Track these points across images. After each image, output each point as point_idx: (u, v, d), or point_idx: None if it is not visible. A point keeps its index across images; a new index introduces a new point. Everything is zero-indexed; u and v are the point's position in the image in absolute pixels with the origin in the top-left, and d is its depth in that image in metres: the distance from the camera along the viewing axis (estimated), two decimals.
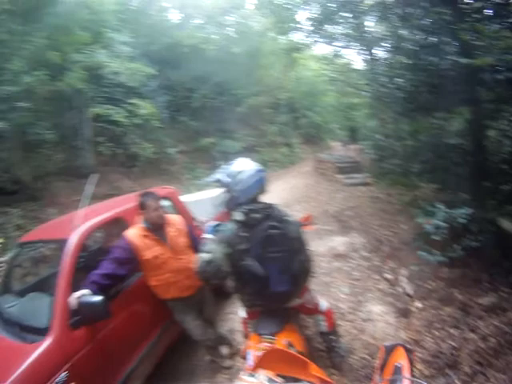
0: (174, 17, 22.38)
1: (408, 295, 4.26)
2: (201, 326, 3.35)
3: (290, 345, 2.20)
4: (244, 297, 2.50)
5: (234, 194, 2.44)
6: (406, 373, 1.75)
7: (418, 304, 4.03)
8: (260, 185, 2.49)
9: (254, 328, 2.42)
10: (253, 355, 2.13)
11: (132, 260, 2.96)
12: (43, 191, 9.80)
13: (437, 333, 3.44)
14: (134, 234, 3.07)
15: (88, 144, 12.18)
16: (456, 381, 2.81)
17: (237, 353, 3.79)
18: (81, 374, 2.40)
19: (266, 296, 2.31)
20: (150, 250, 3.02)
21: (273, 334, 2.24)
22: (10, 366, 2.18)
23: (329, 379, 1.52)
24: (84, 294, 2.53)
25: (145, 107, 13.48)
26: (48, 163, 10.55)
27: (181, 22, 21.83)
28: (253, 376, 1.61)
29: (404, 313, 3.91)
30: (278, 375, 1.62)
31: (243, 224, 2.30)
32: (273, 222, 2.29)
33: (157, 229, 3.12)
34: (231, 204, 2.49)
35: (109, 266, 2.84)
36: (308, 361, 1.58)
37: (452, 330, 3.41)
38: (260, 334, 2.28)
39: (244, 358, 2.33)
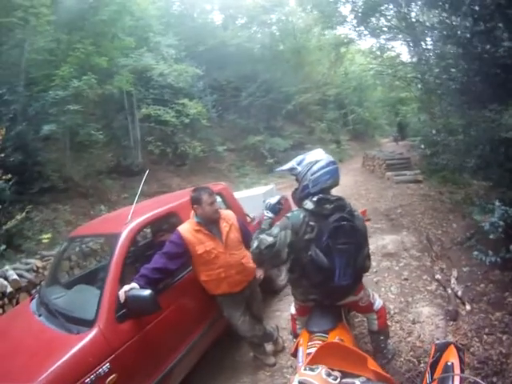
0: (217, 18, 22.78)
1: (458, 297, 4.05)
2: (248, 323, 3.32)
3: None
4: (299, 290, 2.45)
5: (305, 183, 2.35)
6: (457, 371, 1.68)
7: (468, 307, 3.83)
8: (332, 176, 2.38)
9: (306, 325, 2.36)
10: (303, 353, 2.09)
11: (183, 254, 2.96)
12: (93, 189, 10.23)
13: (486, 337, 3.25)
14: (187, 228, 3.05)
15: (137, 144, 12.65)
16: None
17: (281, 350, 3.77)
18: (123, 366, 2.42)
19: (328, 289, 2.26)
20: (203, 245, 3.00)
21: (325, 332, 2.16)
22: (53, 356, 2.23)
23: (386, 374, 1.45)
24: (133, 288, 2.56)
25: (193, 107, 13.89)
26: (98, 162, 11.03)
27: (224, 23, 22.21)
28: (312, 370, 1.55)
29: (453, 316, 3.71)
30: (336, 370, 1.56)
31: (313, 213, 2.23)
32: (344, 214, 2.23)
33: (209, 224, 3.11)
34: (301, 193, 2.39)
35: (160, 260, 2.86)
36: (366, 355, 1.53)
37: (501, 336, 3.20)
38: (312, 332, 2.21)
39: (294, 356, 2.29)
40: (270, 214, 2.50)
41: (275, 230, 2.22)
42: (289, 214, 2.31)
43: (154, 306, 2.51)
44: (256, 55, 20.71)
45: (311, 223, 2.19)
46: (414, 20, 8.65)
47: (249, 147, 17.72)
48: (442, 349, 1.88)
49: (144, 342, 2.65)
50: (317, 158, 2.39)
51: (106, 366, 2.29)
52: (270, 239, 2.17)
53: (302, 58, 23.08)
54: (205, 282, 3.15)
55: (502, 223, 3.76)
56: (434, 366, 1.81)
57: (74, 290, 3.20)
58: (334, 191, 2.44)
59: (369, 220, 4.19)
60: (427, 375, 1.79)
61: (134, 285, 2.60)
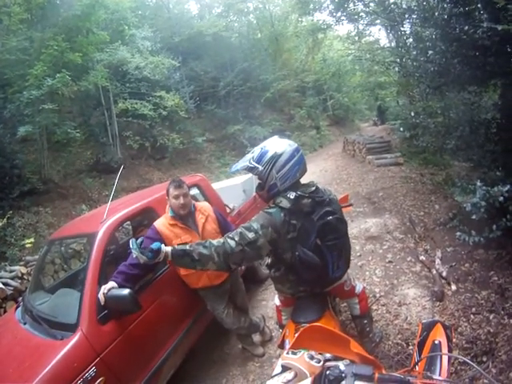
0: (193, 8, 22.57)
1: (443, 278, 4.10)
2: (233, 315, 3.32)
3: None
4: (286, 285, 2.35)
5: (273, 183, 2.15)
6: (445, 349, 1.72)
7: (453, 287, 3.88)
8: (301, 167, 2.20)
9: (291, 316, 2.33)
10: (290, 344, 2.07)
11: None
12: (73, 189, 10.14)
13: (473, 317, 3.30)
14: (162, 223, 3.03)
15: (115, 139, 12.55)
16: (492, 368, 2.67)
17: (269, 340, 3.79)
18: (109, 368, 2.41)
19: (321, 282, 2.24)
20: (179, 239, 2.94)
21: (311, 322, 2.08)
22: (39, 364, 2.20)
23: (370, 356, 1.45)
24: (112, 288, 2.49)
25: (170, 99, 13.83)
26: (77, 161, 11.04)
27: (200, 13, 21.99)
28: (295, 353, 1.54)
29: (439, 296, 3.76)
30: (319, 353, 1.55)
31: (291, 211, 2.07)
32: (327, 208, 2.10)
33: (184, 216, 3.07)
34: (269, 193, 2.20)
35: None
36: (349, 338, 1.50)
37: (488, 315, 3.25)
38: (298, 322, 2.18)
39: (281, 347, 2.29)
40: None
41: (255, 224, 2.05)
42: (270, 210, 2.12)
43: (134, 305, 2.46)
44: (233, 44, 20.57)
45: (292, 222, 2.06)
46: (391, 3, 8.62)
47: (228, 137, 17.67)
48: (428, 328, 1.91)
49: (129, 342, 2.63)
50: (278, 150, 2.16)
51: (92, 370, 2.28)
52: (251, 235, 2.02)
53: (280, 45, 22.99)
54: (185, 276, 3.14)
55: (483, 203, 3.79)
56: (421, 345, 1.84)
57: (57, 295, 3.17)
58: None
59: (351, 205, 4.18)
60: (415, 354, 1.82)
61: (111, 284, 2.53)
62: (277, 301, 2.77)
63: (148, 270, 2.85)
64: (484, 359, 2.79)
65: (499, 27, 3.64)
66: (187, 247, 2.06)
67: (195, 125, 16.70)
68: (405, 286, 4.22)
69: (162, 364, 2.88)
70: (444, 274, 4.15)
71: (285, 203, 2.08)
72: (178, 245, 2.29)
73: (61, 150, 10.48)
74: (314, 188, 2.18)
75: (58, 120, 9.47)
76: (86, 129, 11.59)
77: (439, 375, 1.53)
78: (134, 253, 2.10)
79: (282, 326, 2.76)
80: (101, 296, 2.45)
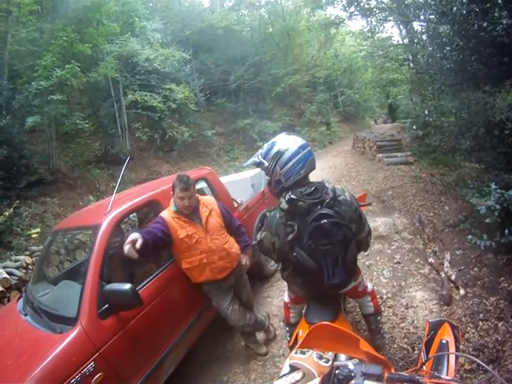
0: (204, 1, 22.52)
1: (451, 281, 4.01)
2: (238, 311, 3.27)
3: None
4: (296, 286, 2.35)
5: (277, 179, 2.13)
6: (452, 349, 1.71)
7: (462, 291, 3.79)
8: (306, 164, 2.13)
9: (305, 316, 2.25)
10: None
11: (169, 236, 2.91)
12: (81, 180, 10.15)
13: (481, 324, 3.21)
14: (168, 214, 3.02)
15: (125, 131, 12.53)
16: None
17: (273, 339, 3.74)
18: (108, 364, 2.37)
19: (321, 287, 2.13)
20: (184, 230, 2.95)
21: None
22: (37, 358, 2.18)
23: (379, 355, 1.42)
24: (133, 239, 2.44)
25: (180, 91, 13.78)
26: (85, 152, 11.01)
27: (211, 6, 21.93)
28: (303, 353, 1.52)
29: (447, 300, 3.68)
30: (328, 352, 1.53)
31: (289, 212, 2.04)
32: (324, 210, 1.98)
33: (186, 212, 3.01)
34: (276, 189, 2.19)
35: (151, 230, 2.80)
36: (358, 337, 1.50)
37: (497, 322, 3.16)
38: (312, 323, 2.05)
39: (293, 348, 2.21)
40: None
41: (263, 227, 2.17)
42: (268, 214, 2.17)
43: (135, 300, 2.44)
44: (245, 38, 20.49)
45: (290, 223, 2.02)
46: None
47: (238, 131, 17.65)
48: (436, 327, 1.89)
49: (129, 338, 2.59)
50: (282, 146, 2.14)
51: (90, 365, 2.25)
52: (258, 236, 2.15)
53: (292, 39, 22.87)
54: (187, 269, 3.11)
55: (498, 207, 3.69)
56: (428, 345, 1.82)
57: (59, 287, 3.15)
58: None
59: (369, 205, 4.14)
60: (422, 354, 1.81)
61: (136, 235, 2.50)
62: (286, 297, 2.71)
63: (158, 244, 2.84)
64: (491, 367, 2.69)
65: None
66: None
67: (205, 118, 16.68)
68: (412, 288, 4.14)
69: (162, 360, 2.84)
70: (453, 277, 4.06)
71: (283, 204, 2.06)
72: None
73: (69, 141, 10.49)
74: (312, 189, 2.07)
75: (67, 111, 9.49)
76: (95, 120, 11.63)
77: (446, 375, 1.52)
78: None
79: (288, 324, 2.73)
80: (128, 249, 2.41)
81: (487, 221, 3.81)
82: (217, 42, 18.62)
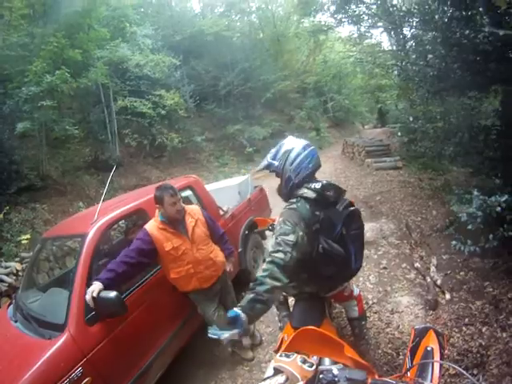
0: (196, 6, 22.62)
1: (437, 286, 4.05)
2: (223, 317, 3.22)
3: None
4: (291, 284, 2.23)
5: (288, 176, 2.21)
6: (437, 357, 1.72)
7: (448, 296, 3.82)
8: (313, 159, 2.25)
9: (290, 320, 2.27)
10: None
11: (151, 251, 2.90)
12: (71, 186, 10.09)
13: (465, 329, 3.23)
14: (153, 225, 3.00)
15: (114, 137, 12.50)
16: (482, 382, 2.61)
17: (259, 344, 3.76)
18: (96, 369, 2.41)
19: (343, 276, 2.31)
20: (170, 242, 2.95)
21: None
22: (26, 364, 2.21)
23: (364, 361, 1.43)
24: (100, 290, 2.47)
25: (170, 97, 13.80)
26: (75, 158, 10.95)
27: (202, 11, 21.99)
28: (288, 356, 1.56)
29: (432, 305, 3.71)
30: (313, 356, 1.57)
31: (316, 202, 2.11)
32: (347, 199, 2.22)
33: (174, 221, 3.04)
34: (287, 187, 2.24)
35: (128, 254, 2.79)
36: (343, 342, 1.52)
37: (481, 327, 3.18)
38: (297, 328, 2.04)
39: (277, 352, 2.21)
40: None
41: (288, 226, 1.97)
42: (294, 205, 2.09)
43: (120, 307, 2.48)
44: (235, 44, 20.55)
45: (316, 213, 2.08)
46: (391, 6, 8.56)
47: (228, 136, 17.67)
48: (421, 334, 1.91)
49: (116, 344, 2.62)
50: (290, 146, 2.27)
51: (78, 371, 2.29)
52: (291, 237, 1.93)
53: (282, 46, 23.01)
54: (174, 279, 3.10)
55: (480, 213, 3.72)
56: (413, 351, 1.83)
57: (48, 294, 3.18)
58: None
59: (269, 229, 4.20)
60: (407, 360, 1.81)
61: (97, 285, 2.49)
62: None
63: (138, 269, 2.88)
64: (475, 372, 2.73)
65: (501, 32, 3.58)
66: (250, 296, 1.84)
67: (195, 124, 16.70)
68: (398, 293, 4.17)
69: (149, 366, 2.87)
70: (438, 282, 4.10)
71: (310, 194, 2.12)
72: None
73: (59, 147, 10.45)
74: (325, 182, 2.24)
75: (57, 117, 9.45)
76: (85, 126, 11.66)
77: (430, 382, 1.53)
78: (221, 336, 1.83)
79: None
80: (89, 299, 2.43)
81: (469, 227, 3.85)
82: (207, 47, 18.65)
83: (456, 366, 1.54)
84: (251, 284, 1.89)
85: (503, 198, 3.62)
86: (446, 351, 2.94)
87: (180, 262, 3.01)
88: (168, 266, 3.05)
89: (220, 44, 18.86)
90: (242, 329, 1.79)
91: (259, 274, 1.92)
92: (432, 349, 1.77)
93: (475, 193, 3.81)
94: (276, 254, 1.90)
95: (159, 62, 13.42)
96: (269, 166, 2.30)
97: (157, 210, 3.06)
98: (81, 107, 12.51)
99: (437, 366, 1.61)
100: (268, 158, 2.32)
